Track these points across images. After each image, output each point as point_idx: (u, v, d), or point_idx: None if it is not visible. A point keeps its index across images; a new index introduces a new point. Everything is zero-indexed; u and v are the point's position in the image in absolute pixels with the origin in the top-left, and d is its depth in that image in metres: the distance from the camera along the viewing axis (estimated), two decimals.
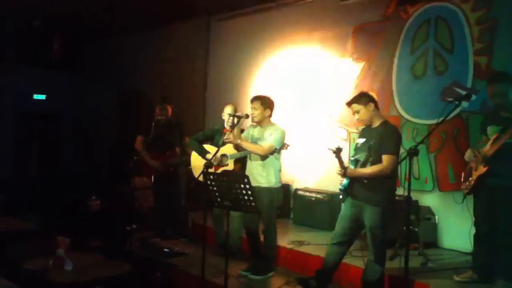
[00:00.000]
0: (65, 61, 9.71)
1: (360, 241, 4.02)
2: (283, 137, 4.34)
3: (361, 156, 3.61)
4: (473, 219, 3.83)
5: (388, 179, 3.55)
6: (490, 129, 3.67)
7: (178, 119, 5.92)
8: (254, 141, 4.37)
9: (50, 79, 9.86)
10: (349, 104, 3.75)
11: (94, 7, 7.44)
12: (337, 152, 3.49)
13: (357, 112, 3.68)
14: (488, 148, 3.57)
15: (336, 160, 3.56)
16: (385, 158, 3.50)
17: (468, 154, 3.77)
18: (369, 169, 3.53)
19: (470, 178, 3.70)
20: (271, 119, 4.44)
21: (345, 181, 3.64)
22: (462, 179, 3.85)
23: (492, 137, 3.59)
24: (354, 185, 3.61)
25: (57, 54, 9.37)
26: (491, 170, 3.54)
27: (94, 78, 9.99)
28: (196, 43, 7.87)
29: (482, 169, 3.59)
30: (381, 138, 3.54)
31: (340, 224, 3.77)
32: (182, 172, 5.61)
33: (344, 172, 3.56)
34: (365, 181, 3.56)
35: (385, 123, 3.67)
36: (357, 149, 3.73)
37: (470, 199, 3.84)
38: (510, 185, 3.50)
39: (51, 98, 9.99)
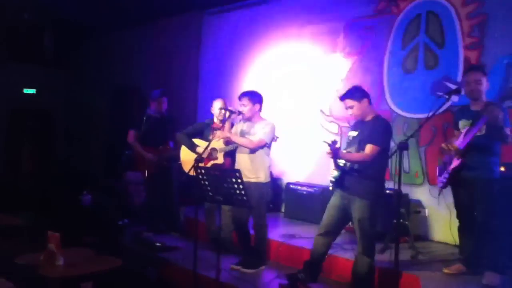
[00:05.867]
0: (57, 57, 9.64)
1: (350, 234, 4.04)
2: (273, 131, 4.34)
3: (353, 149, 3.64)
4: (455, 212, 3.90)
5: (377, 172, 3.59)
6: (461, 123, 3.77)
7: (171, 113, 5.90)
8: (242, 135, 4.38)
9: (42, 75, 9.77)
10: (342, 98, 3.75)
11: (86, 3, 7.39)
12: (332, 145, 3.45)
13: (351, 107, 3.67)
14: (460, 142, 3.64)
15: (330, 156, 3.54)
16: (368, 147, 3.52)
17: (441, 149, 3.83)
18: (353, 155, 3.57)
19: (445, 171, 3.77)
20: (261, 113, 4.44)
21: (336, 173, 3.66)
22: (437, 174, 3.91)
23: (463, 131, 3.67)
24: (345, 177, 3.63)
25: (49, 50, 9.31)
26: (465, 163, 3.61)
27: (86, 74, 9.93)
28: (188, 37, 7.83)
29: (455, 162, 3.65)
30: (371, 130, 3.58)
31: (328, 214, 3.79)
32: (175, 166, 5.60)
33: (332, 153, 3.45)
34: (356, 174, 3.58)
35: (376, 118, 3.70)
36: (349, 142, 3.74)
37: (448, 193, 3.91)
38: (484, 177, 3.59)
39: (43, 94, 9.91)
